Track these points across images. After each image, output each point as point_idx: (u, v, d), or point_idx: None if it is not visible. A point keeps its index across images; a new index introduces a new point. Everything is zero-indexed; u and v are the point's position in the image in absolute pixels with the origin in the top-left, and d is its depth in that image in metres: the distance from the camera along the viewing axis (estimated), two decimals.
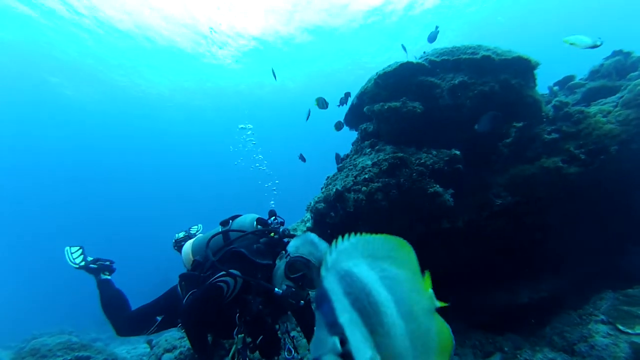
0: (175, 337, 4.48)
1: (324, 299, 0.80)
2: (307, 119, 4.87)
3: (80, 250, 3.38)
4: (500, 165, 3.64)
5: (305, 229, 3.43)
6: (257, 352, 2.31)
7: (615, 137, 3.29)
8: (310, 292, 2.21)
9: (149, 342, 5.18)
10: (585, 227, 3.60)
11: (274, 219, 2.57)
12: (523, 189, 3.45)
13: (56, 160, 37.51)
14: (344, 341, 0.76)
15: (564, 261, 3.77)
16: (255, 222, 2.56)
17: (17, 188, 37.76)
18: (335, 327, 0.77)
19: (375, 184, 2.90)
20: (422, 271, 1.00)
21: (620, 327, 2.70)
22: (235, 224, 2.62)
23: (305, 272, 2.13)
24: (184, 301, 2.45)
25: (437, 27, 5.10)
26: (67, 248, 3.37)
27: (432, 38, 4.99)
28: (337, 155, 3.97)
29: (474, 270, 3.89)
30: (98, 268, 3.30)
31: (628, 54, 3.94)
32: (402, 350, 0.81)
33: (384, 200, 2.90)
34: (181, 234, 3.34)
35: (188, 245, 2.78)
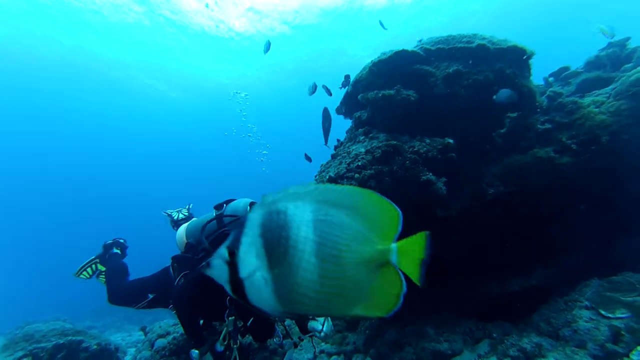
0: (169, 324, 4.52)
1: (238, 225, 0.93)
2: (312, 93, 4.74)
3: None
4: (494, 155, 3.66)
5: None
6: (249, 335, 2.34)
7: (607, 127, 3.31)
8: None
9: (143, 329, 5.21)
10: (577, 217, 3.64)
11: None
12: (516, 178, 3.47)
13: (55, 152, 37.22)
14: (233, 253, 0.90)
15: (555, 251, 3.83)
16: (248, 207, 2.56)
17: (16, 179, 37.51)
18: (233, 243, 0.92)
19: (368, 171, 2.91)
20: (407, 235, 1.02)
21: (602, 312, 2.78)
22: (229, 208, 2.63)
23: None
24: (176, 284, 2.47)
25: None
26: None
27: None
28: (339, 141, 3.97)
29: (468, 260, 3.94)
30: (112, 243, 3.56)
31: (623, 45, 3.95)
32: (303, 282, 0.89)
33: (377, 188, 2.91)
34: (175, 213, 3.39)
35: (182, 228, 2.80)
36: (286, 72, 23.19)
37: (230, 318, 2.19)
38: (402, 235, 1.03)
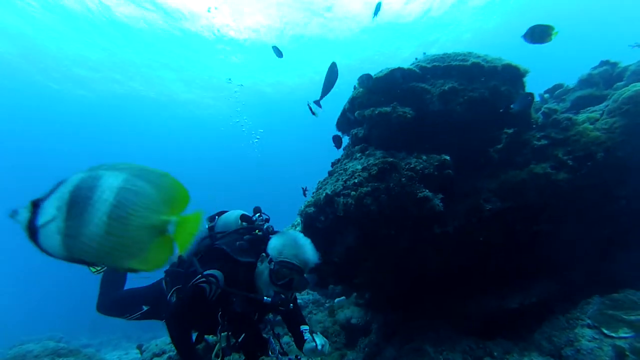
0: (165, 342, 4.45)
1: (57, 183, 1.11)
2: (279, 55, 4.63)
3: None
4: (491, 171, 3.68)
5: None
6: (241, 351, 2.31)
7: (601, 144, 3.34)
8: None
9: (140, 347, 5.14)
10: (574, 233, 3.62)
11: (259, 216, 2.57)
12: (513, 194, 3.48)
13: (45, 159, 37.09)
14: (37, 204, 1.07)
15: (554, 267, 3.79)
16: (239, 219, 2.56)
17: (7, 191, 37.34)
18: (42, 196, 1.09)
19: (365, 188, 2.92)
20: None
21: (605, 331, 2.73)
22: (221, 220, 2.63)
23: (294, 277, 2.13)
24: (168, 300, 2.45)
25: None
26: None
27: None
28: (336, 138, 3.90)
29: (466, 276, 3.91)
30: None
31: (615, 64, 4.02)
32: (90, 235, 1.07)
33: (374, 205, 2.92)
34: None
35: None
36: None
37: (222, 334, 2.17)
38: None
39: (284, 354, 2.38)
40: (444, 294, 4.12)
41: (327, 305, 5.35)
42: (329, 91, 3.59)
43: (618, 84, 3.64)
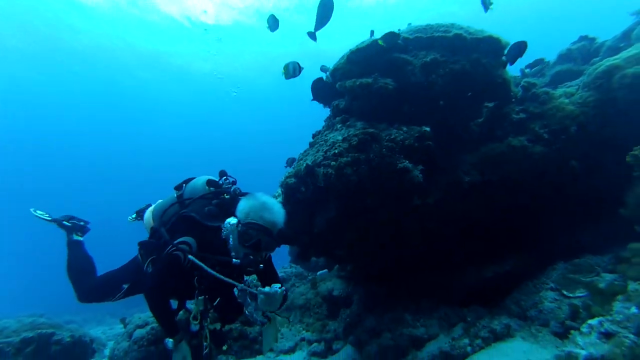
0: (149, 315, 4.47)
1: None
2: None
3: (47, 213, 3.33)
4: (471, 144, 3.73)
5: None
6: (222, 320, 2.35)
7: (575, 118, 3.42)
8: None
9: (123, 320, 5.16)
10: (548, 205, 3.75)
11: (225, 179, 2.56)
12: (492, 167, 3.54)
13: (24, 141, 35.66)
14: None
15: (529, 238, 3.94)
16: (206, 185, 2.55)
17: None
18: None
19: (345, 158, 2.93)
20: None
21: (565, 293, 2.94)
22: (188, 188, 2.62)
23: (261, 238, 2.16)
24: (145, 270, 2.45)
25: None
26: (32, 209, 3.30)
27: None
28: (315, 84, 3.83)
29: (446, 249, 4.02)
30: (71, 227, 3.21)
31: (592, 39, 4.07)
32: None
33: (354, 175, 2.94)
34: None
35: (149, 213, 2.76)
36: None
37: (200, 298, 2.20)
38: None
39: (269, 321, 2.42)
40: (424, 266, 4.25)
41: (309, 278, 5.46)
42: (324, 24, 3.38)
43: (594, 59, 3.71)
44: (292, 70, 3.22)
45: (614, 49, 3.75)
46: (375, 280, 4.49)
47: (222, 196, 2.44)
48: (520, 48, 3.24)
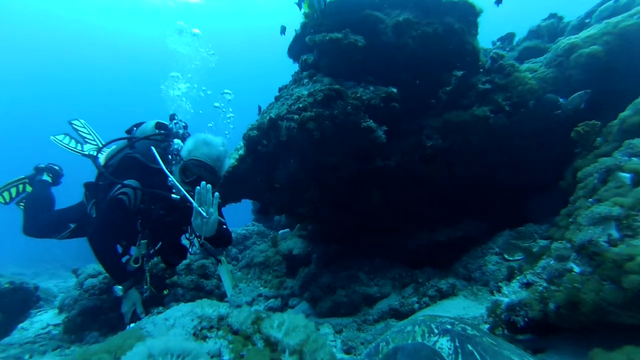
0: None
1: None
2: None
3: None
4: (437, 110, 3.77)
5: (238, 157, 3.37)
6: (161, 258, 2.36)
7: (534, 92, 3.52)
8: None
9: (75, 271, 5.01)
10: (503, 175, 3.91)
11: (175, 123, 2.50)
12: (454, 134, 3.61)
13: None
14: None
15: (482, 206, 4.13)
16: (155, 128, 2.49)
17: None
18: None
19: (309, 113, 2.87)
20: None
21: (506, 256, 3.16)
22: (138, 131, 2.55)
23: (202, 174, 2.14)
24: (88, 213, 2.40)
25: None
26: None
27: None
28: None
29: (404, 210, 4.14)
30: (45, 167, 3.20)
31: (560, 18, 4.15)
32: None
33: (317, 131, 2.90)
34: (66, 139, 3.18)
35: (103, 155, 2.67)
36: None
37: (142, 241, 2.19)
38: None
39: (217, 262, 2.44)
40: (382, 228, 4.38)
41: (271, 236, 5.50)
42: None
43: (560, 38, 3.78)
44: (317, 3, 2.98)
45: (578, 29, 3.85)
46: (333, 240, 4.59)
47: (171, 139, 2.38)
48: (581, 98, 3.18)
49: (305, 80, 3.20)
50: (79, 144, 3.16)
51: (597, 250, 1.47)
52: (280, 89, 3.52)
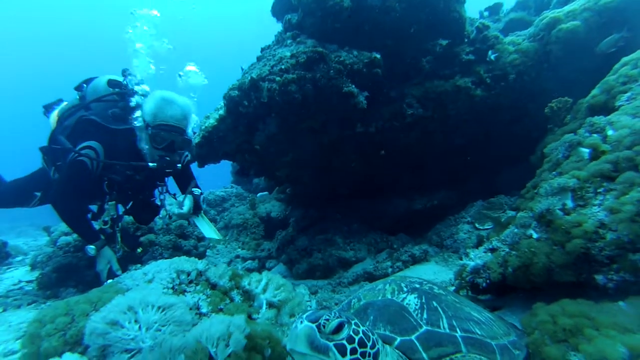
0: None
1: None
2: None
3: None
4: (420, 79, 3.76)
5: (218, 117, 3.29)
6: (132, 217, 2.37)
7: (516, 66, 3.56)
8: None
9: (47, 229, 4.91)
10: (479, 147, 4.03)
11: (129, 79, 2.42)
12: (434, 104, 3.63)
13: None
14: None
15: (458, 176, 4.27)
16: (107, 85, 2.39)
17: None
18: None
19: (291, 75, 2.81)
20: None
21: (477, 225, 3.34)
22: (90, 89, 2.43)
23: (174, 139, 2.13)
24: (52, 177, 2.34)
25: None
26: None
27: None
28: None
29: (382, 177, 4.23)
30: None
31: None
32: None
33: (298, 94, 2.86)
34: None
35: (54, 115, 2.54)
36: None
37: (110, 203, 2.18)
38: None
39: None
40: (360, 194, 4.48)
41: (249, 199, 5.53)
42: None
43: (545, 11, 3.78)
44: None
45: (563, 3, 3.84)
46: (312, 204, 4.67)
47: (127, 98, 2.30)
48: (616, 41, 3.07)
49: (289, 41, 3.10)
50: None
51: (552, 218, 1.59)
52: (262, 49, 3.40)
